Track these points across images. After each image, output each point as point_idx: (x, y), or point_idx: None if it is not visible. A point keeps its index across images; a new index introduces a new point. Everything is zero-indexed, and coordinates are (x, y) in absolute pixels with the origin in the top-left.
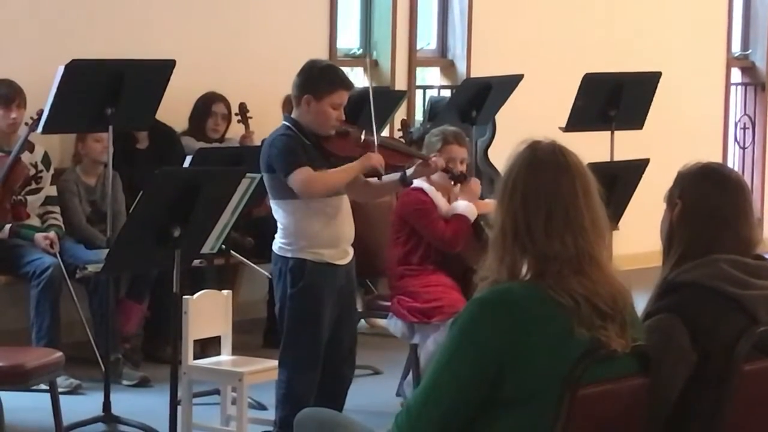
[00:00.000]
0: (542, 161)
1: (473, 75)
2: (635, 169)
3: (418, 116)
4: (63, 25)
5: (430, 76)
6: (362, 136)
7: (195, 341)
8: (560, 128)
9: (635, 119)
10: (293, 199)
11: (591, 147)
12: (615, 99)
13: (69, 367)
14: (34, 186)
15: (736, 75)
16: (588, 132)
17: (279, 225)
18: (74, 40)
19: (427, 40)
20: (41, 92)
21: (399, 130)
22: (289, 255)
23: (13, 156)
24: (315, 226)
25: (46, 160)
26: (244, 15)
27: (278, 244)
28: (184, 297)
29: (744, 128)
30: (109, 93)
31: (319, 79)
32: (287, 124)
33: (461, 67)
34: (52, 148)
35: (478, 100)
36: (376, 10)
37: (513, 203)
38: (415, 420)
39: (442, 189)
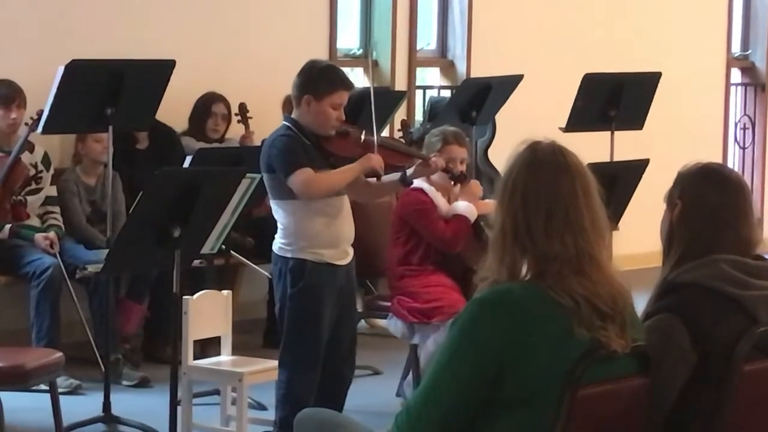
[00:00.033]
0: (542, 161)
1: (473, 75)
2: (635, 169)
3: (418, 116)
4: (63, 25)
5: (430, 76)
6: (362, 137)
7: (195, 341)
8: (560, 128)
9: (635, 119)
10: (293, 199)
11: (591, 147)
12: (615, 99)
13: (69, 367)
14: (34, 186)
15: (736, 75)
16: (588, 132)
17: (279, 225)
18: (74, 40)
19: (427, 40)
20: (41, 92)
21: (399, 130)
22: (289, 255)
23: (13, 156)
24: (315, 227)
25: (46, 160)
26: (244, 15)
27: (278, 244)
28: (184, 297)
29: (744, 128)
30: (109, 93)
31: (319, 79)
32: (287, 124)
33: (461, 67)
34: (52, 149)
35: (478, 100)
36: (376, 10)
37: (513, 203)
38: (415, 420)
39: (442, 189)
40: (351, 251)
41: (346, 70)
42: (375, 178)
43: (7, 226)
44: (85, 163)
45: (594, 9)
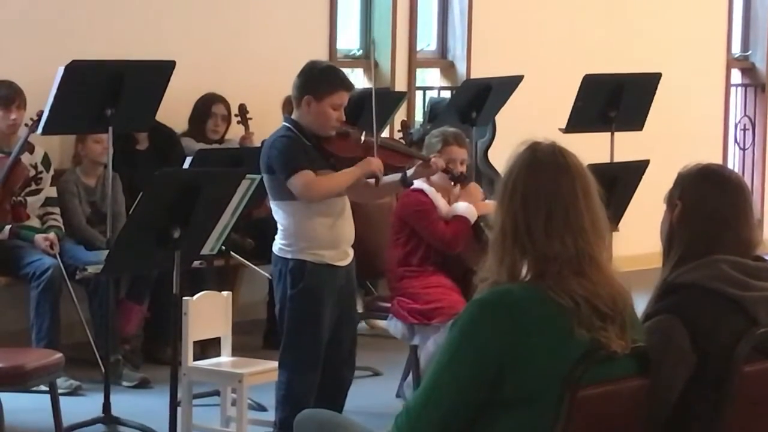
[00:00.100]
0: (542, 162)
1: (473, 76)
2: (635, 170)
3: (418, 117)
4: (63, 26)
5: (430, 77)
6: (362, 137)
7: (195, 342)
8: (560, 129)
9: (635, 120)
10: (293, 200)
11: (591, 148)
12: (615, 100)
13: (69, 368)
14: (34, 187)
15: (736, 76)
16: (588, 133)
17: (279, 226)
18: (74, 40)
19: (427, 41)
20: (41, 93)
21: (399, 131)
22: (289, 256)
23: (13, 157)
24: (315, 228)
25: (46, 161)
26: (244, 16)
27: (278, 245)
28: (184, 298)
29: (744, 129)
30: (109, 94)
31: (319, 79)
32: (287, 125)
33: (461, 68)
34: (52, 149)
35: (478, 101)
36: (376, 11)
37: (513, 204)
38: (415, 421)
39: (442, 190)
40: (351, 252)
41: (346, 70)
42: (374, 181)
43: (7, 227)
44: (85, 164)
45: (594, 10)
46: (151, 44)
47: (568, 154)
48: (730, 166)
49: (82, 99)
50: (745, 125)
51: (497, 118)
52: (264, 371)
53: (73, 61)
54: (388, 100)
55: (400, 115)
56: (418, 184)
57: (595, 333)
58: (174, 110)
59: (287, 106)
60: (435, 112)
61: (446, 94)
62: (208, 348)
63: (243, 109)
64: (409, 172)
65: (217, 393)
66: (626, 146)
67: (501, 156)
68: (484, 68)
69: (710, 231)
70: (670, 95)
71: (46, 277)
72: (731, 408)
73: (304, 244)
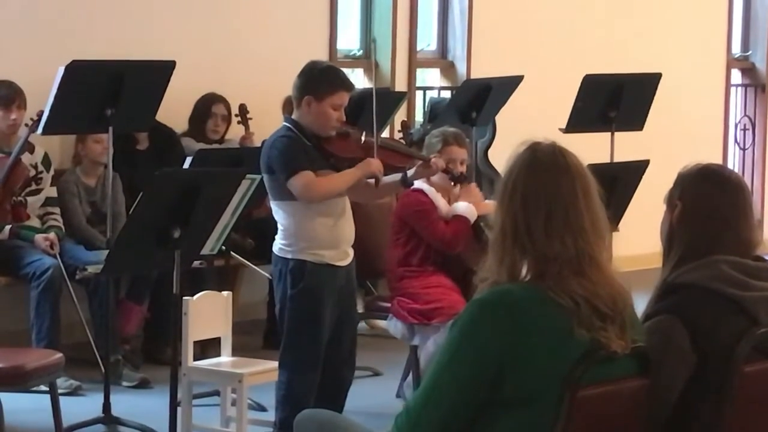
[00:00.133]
0: (542, 162)
1: (473, 76)
2: (635, 170)
3: (419, 117)
4: (63, 26)
5: (430, 77)
6: (363, 138)
7: (195, 342)
8: (560, 129)
9: (635, 120)
10: (293, 200)
11: (591, 148)
12: (615, 100)
13: (69, 368)
14: (34, 187)
15: (736, 76)
16: (588, 133)
17: (279, 226)
18: (74, 40)
19: (428, 41)
20: (41, 93)
21: (399, 131)
22: (289, 256)
23: (14, 157)
24: (315, 228)
25: (47, 161)
26: (244, 16)
27: (278, 245)
28: (184, 298)
29: (744, 129)
30: (109, 94)
31: (319, 80)
32: (288, 125)
33: (461, 68)
34: (52, 149)
35: (478, 101)
36: (376, 11)
37: (513, 204)
38: (415, 421)
39: (442, 190)
40: (351, 252)
41: (346, 70)
42: (374, 182)
43: (8, 227)
44: (85, 164)
45: (594, 10)
46: (151, 44)
47: (568, 154)
48: (730, 166)
49: (83, 99)
50: (745, 125)
51: (497, 118)
52: (264, 371)
53: (74, 61)
54: (388, 100)
55: (400, 115)
56: (418, 184)
57: (595, 333)
58: (174, 110)
59: (287, 106)
60: (435, 112)
61: (446, 94)
62: (208, 348)
63: (243, 109)
64: (410, 173)
65: (217, 393)
66: (626, 146)
67: (501, 156)
68: (484, 68)
69: (710, 231)
70: (670, 95)
71: (46, 277)
72: (731, 408)
73: (304, 244)
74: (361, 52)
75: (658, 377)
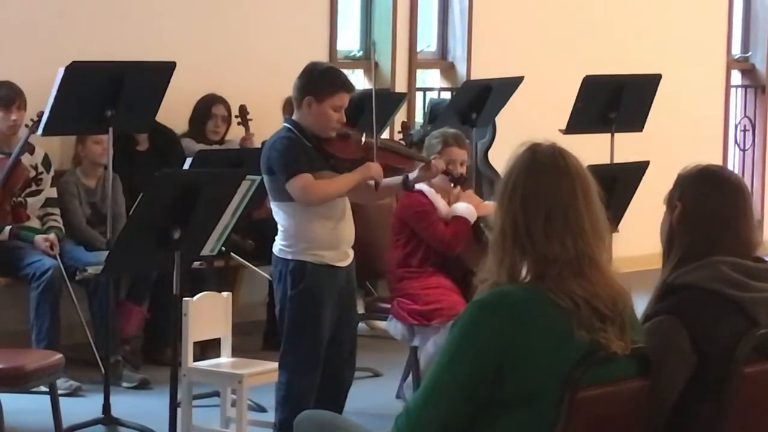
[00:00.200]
0: (542, 164)
1: (473, 77)
2: (635, 171)
3: (419, 118)
4: (63, 27)
5: (430, 78)
6: (363, 139)
7: (195, 343)
8: (560, 130)
9: (635, 121)
10: (293, 201)
11: (591, 149)
12: (615, 101)
13: (69, 369)
14: (34, 188)
15: (736, 77)
16: (588, 134)
17: (279, 227)
18: (74, 41)
19: (428, 42)
20: (41, 94)
21: (399, 132)
22: (289, 257)
23: (14, 158)
24: (316, 229)
25: (47, 162)
26: (244, 17)
27: (278, 246)
28: (184, 299)
29: (744, 130)
30: (109, 95)
31: (320, 81)
32: (288, 126)
33: (461, 69)
34: (52, 150)
35: (478, 102)
36: (376, 12)
37: (513, 205)
38: (415, 422)
39: (441, 191)
40: (351, 253)
41: (346, 71)
42: (374, 185)
43: (7, 228)
44: (85, 165)
45: (594, 11)
46: (151, 45)
47: (568, 155)
48: (730, 167)
49: (83, 100)
50: (745, 126)
51: (497, 119)
52: (264, 372)
53: (74, 62)
54: (388, 101)
55: (400, 116)
56: (417, 185)
57: (595, 334)
58: (174, 111)
59: (287, 107)
60: (435, 113)
61: (446, 95)
62: (207, 349)
63: (243, 110)
64: (411, 176)
65: (216, 394)
66: (626, 147)
67: (501, 157)
68: (484, 69)
69: (710, 232)
70: (670, 96)
71: (46, 278)
72: (731, 409)
73: (304, 245)
74: (361, 53)
75: (658, 378)
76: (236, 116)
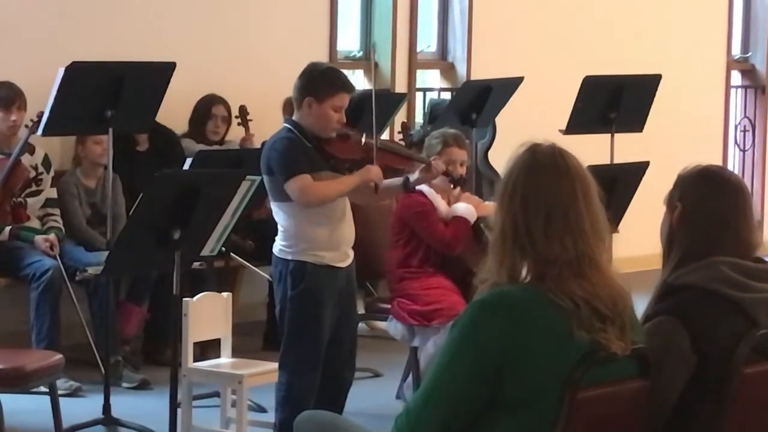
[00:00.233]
0: (542, 164)
1: (473, 77)
2: (635, 171)
3: (419, 119)
4: (63, 27)
5: (430, 78)
6: (363, 139)
7: (195, 344)
8: (560, 131)
9: (635, 122)
10: (293, 201)
11: (591, 150)
12: (615, 101)
13: (69, 369)
14: (34, 188)
15: (736, 78)
16: (588, 135)
17: (279, 227)
18: (74, 42)
19: (428, 42)
20: (41, 94)
21: (399, 132)
22: (289, 257)
23: (14, 158)
24: (316, 229)
25: (47, 162)
26: (244, 17)
27: (279, 246)
28: (184, 299)
29: (744, 131)
30: (110, 95)
31: (320, 81)
32: (288, 126)
33: (461, 69)
34: (52, 151)
35: (479, 102)
36: (376, 12)
37: (513, 206)
38: (415, 422)
39: (441, 191)
40: (351, 253)
41: (346, 72)
42: (374, 187)
43: (7, 228)
44: (85, 166)
45: (594, 11)
46: (151, 45)
47: (568, 155)
48: (730, 167)
49: (83, 100)
50: (745, 127)
51: (497, 119)
52: (264, 372)
53: (74, 62)
54: (388, 101)
55: (400, 117)
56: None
57: (595, 334)
58: (174, 111)
59: (288, 107)
60: (435, 114)
61: (446, 96)
62: (208, 349)
63: (243, 111)
64: (412, 177)
65: (217, 394)
66: (626, 148)
67: (501, 157)
68: (484, 70)
69: (710, 232)
70: (670, 97)
71: (46, 278)
72: (731, 409)
73: (304, 246)
74: (361, 53)
75: (658, 378)
76: (236, 116)
